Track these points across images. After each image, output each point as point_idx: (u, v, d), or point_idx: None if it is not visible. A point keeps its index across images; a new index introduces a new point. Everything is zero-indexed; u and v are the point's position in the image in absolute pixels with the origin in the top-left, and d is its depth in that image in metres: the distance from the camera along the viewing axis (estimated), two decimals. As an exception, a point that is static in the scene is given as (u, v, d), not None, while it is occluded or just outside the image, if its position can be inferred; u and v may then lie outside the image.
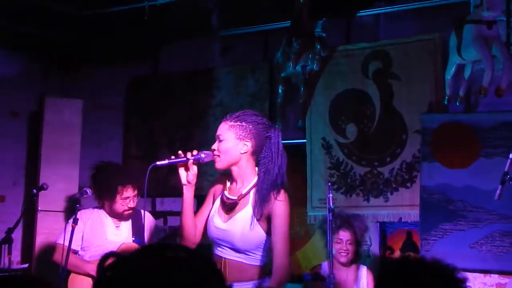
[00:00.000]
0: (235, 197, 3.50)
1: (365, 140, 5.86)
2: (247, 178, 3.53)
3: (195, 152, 3.53)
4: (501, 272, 5.00)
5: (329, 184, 4.05)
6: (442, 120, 5.35)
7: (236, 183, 3.56)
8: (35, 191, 5.13)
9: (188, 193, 3.58)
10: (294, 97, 6.11)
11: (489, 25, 4.83)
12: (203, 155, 3.51)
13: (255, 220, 3.44)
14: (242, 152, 3.49)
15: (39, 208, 6.32)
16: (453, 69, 5.23)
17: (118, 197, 4.58)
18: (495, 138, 5.07)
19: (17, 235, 6.50)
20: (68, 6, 6.37)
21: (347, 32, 6.05)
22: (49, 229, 6.19)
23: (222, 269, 3.43)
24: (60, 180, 6.30)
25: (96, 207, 4.75)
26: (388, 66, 5.79)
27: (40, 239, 6.32)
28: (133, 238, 4.62)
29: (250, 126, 3.50)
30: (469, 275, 5.08)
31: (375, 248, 5.67)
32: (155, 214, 6.45)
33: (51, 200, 6.21)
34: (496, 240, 5.04)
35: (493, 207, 4.91)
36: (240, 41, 6.56)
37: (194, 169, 3.54)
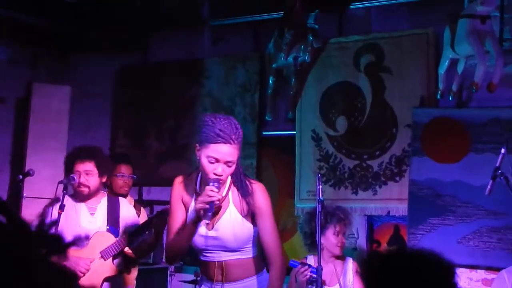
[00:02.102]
0: (217, 202, 3.32)
1: (355, 133, 5.87)
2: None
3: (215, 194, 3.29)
4: (487, 268, 5.01)
5: (319, 175, 4.00)
6: (434, 115, 5.35)
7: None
8: (20, 176, 5.08)
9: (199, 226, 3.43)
10: (285, 88, 6.10)
11: (483, 20, 4.83)
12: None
13: (241, 217, 3.41)
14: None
15: (24, 194, 6.28)
16: (446, 64, 5.23)
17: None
18: (486, 134, 5.08)
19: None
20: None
21: (339, 24, 6.05)
22: (34, 216, 6.12)
23: (223, 271, 3.47)
24: (46, 167, 6.25)
25: (72, 194, 4.58)
26: (380, 59, 5.80)
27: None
28: (107, 227, 4.48)
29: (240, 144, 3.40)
30: (457, 270, 5.09)
31: (362, 241, 5.67)
32: (142, 202, 6.42)
33: (37, 187, 6.17)
34: (483, 235, 5.05)
35: (481, 202, 4.92)
36: (230, 31, 6.56)
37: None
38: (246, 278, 3.50)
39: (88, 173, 4.41)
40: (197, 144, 3.33)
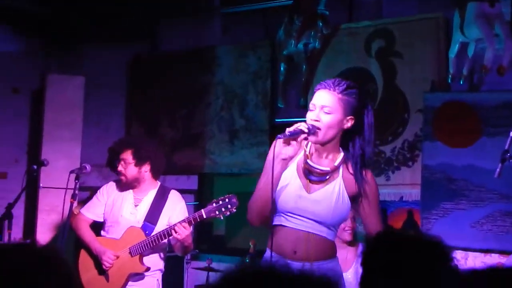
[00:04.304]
0: (328, 168, 3.22)
1: (367, 119, 5.82)
2: (333, 152, 3.25)
3: (304, 126, 3.10)
4: (501, 252, 4.99)
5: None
6: (445, 99, 5.32)
7: (319, 153, 3.26)
8: (35, 166, 5.12)
9: (279, 169, 3.17)
10: (296, 75, 6.09)
11: (491, 3, 4.80)
12: (311, 127, 3.10)
13: (347, 194, 3.25)
14: (344, 128, 3.21)
15: (41, 185, 6.32)
16: (456, 47, 5.22)
17: (116, 161, 4.53)
18: (498, 117, 5.04)
19: (19, 212, 6.52)
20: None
21: (350, 10, 6.02)
22: (50, 205, 6.20)
23: (300, 244, 3.23)
24: (61, 157, 6.28)
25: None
26: (391, 44, 5.76)
27: (42, 216, 6.32)
28: (144, 223, 4.49)
29: (356, 104, 3.22)
30: (470, 254, 5.09)
31: (375, 227, 5.65)
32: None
33: (53, 177, 6.21)
34: (497, 219, 5.02)
35: (494, 186, 4.89)
36: (241, 19, 6.53)
37: (299, 144, 3.15)
38: (326, 259, 3.26)
39: (125, 162, 4.48)
40: None
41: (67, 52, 7.25)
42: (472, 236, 5.06)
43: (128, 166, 4.47)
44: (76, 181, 4.46)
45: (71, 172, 4.56)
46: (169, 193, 4.60)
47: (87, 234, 4.53)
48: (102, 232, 4.58)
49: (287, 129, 3.09)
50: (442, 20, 5.47)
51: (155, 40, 7.01)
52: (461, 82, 5.26)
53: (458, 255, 5.14)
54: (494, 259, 5.05)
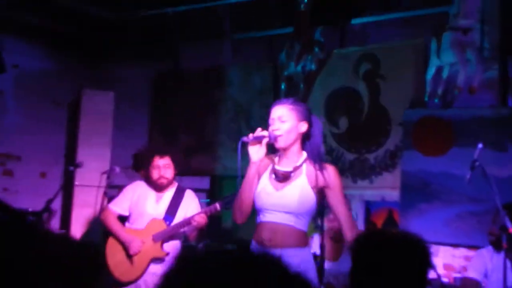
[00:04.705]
0: (290, 169, 3.34)
1: (355, 131, 5.83)
2: (296, 155, 3.36)
3: (265, 133, 3.31)
4: (468, 246, 4.98)
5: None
6: (422, 115, 5.30)
7: (286, 159, 3.38)
8: (72, 168, 5.12)
9: (254, 170, 3.37)
10: (295, 93, 6.06)
11: (465, 32, 4.79)
12: (272, 136, 3.29)
13: (310, 187, 3.31)
14: (301, 131, 3.34)
15: (76, 183, 6.32)
16: (433, 70, 5.21)
17: (150, 166, 4.49)
18: (468, 131, 5.03)
19: (57, 207, 6.52)
20: (103, 10, 6.34)
21: (341, 37, 5.99)
22: (84, 201, 6.18)
23: (272, 233, 3.31)
24: (94, 160, 6.29)
25: (147, 182, 4.63)
26: (376, 67, 5.75)
27: (77, 210, 6.31)
28: (165, 215, 4.49)
29: (305, 111, 3.37)
30: (441, 248, 5.06)
31: (360, 224, 5.62)
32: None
33: (86, 177, 6.22)
34: (465, 218, 5.01)
35: (464, 190, 4.86)
36: (248, 44, 6.52)
37: (264, 148, 3.31)
38: (296, 247, 3.31)
39: (166, 167, 4.47)
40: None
41: (99, 70, 7.26)
42: (443, 232, 5.05)
43: (168, 170, 4.48)
44: (107, 180, 4.44)
45: (103, 173, 4.56)
46: (185, 192, 4.61)
47: (115, 225, 4.51)
48: (127, 224, 4.57)
49: (251, 134, 3.28)
50: (421, 46, 5.45)
51: (176, 60, 6.99)
52: (436, 100, 5.24)
53: (431, 248, 5.12)
54: (461, 252, 5.05)
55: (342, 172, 5.78)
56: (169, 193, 4.56)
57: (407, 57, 5.56)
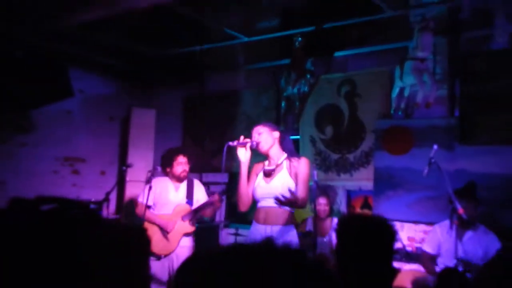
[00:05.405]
0: (273, 167, 3.45)
1: (338, 137, 5.80)
2: (277, 156, 3.47)
3: (248, 140, 3.44)
4: (426, 223, 4.93)
5: (314, 165, 3.95)
6: (389, 124, 5.27)
7: (271, 160, 3.49)
8: (124, 167, 5.09)
9: (244, 168, 3.41)
10: (292, 109, 6.05)
11: (422, 61, 4.76)
12: (254, 143, 3.43)
13: (289, 177, 3.38)
14: (275, 137, 3.48)
15: (127, 179, 6.31)
16: (397, 90, 5.17)
17: (174, 163, 4.42)
18: (424, 136, 4.99)
19: (113, 197, 6.51)
20: (149, 48, 6.37)
21: (327, 66, 5.96)
22: (133, 193, 6.15)
23: (266, 215, 3.37)
24: (141, 161, 6.28)
25: (165, 176, 4.54)
26: (354, 89, 5.73)
27: (127, 200, 6.29)
28: (186, 200, 4.45)
29: (274, 126, 3.58)
30: (405, 224, 5.01)
31: (343, 207, 5.59)
32: (203, 184, 6.41)
33: (135, 175, 6.21)
34: (423, 202, 4.97)
35: (422, 180, 4.80)
36: (257, 73, 6.50)
37: (249, 151, 3.41)
38: (283, 225, 3.35)
39: (186, 163, 4.45)
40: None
41: (144, 93, 7.27)
42: (406, 213, 5.01)
43: (187, 166, 4.46)
44: (152, 176, 4.41)
45: (148, 171, 4.51)
46: (193, 181, 4.57)
47: (149, 213, 4.37)
48: (154, 211, 4.44)
49: (235, 141, 3.41)
50: (388, 72, 5.43)
51: (202, 85, 6.99)
52: (400, 113, 5.22)
53: (398, 225, 5.07)
54: (421, 227, 5.00)
55: (328, 168, 5.76)
56: (184, 184, 4.49)
57: (377, 81, 5.54)
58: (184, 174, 4.45)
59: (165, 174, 4.50)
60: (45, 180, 6.23)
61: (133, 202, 5.07)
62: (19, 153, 6.07)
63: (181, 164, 4.43)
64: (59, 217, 0.92)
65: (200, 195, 4.50)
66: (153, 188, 4.42)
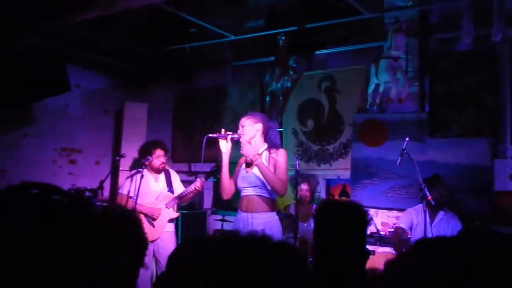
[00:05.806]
0: (235, 137, 3.44)
1: (319, 129, 5.82)
2: (259, 146, 3.42)
3: (230, 133, 3.44)
4: (398, 209, 4.95)
5: (297, 155, 3.99)
6: (365, 118, 5.30)
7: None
8: (117, 158, 5.07)
9: (226, 159, 3.42)
10: (276, 103, 6.06)
11: (395, 59, 4.80)
12: (236, 136, 3.42)
13: (269, 166, 3.35)
14: (257, 129, 3.43)
15: (120, 168, 6.28)
16: (373, 86, 5.18)
17: (153, 156, 4.38)
18: (397, 129, 5.00)
19: (107, 185, 6.49)
20: (141, 46, 6.33)
21: (308, 63, 5.98)
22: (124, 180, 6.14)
23: (248, 203, 3.35)
24: (133, 152, 6.20)
25: (143, 169, 4.38)
26: (333, 84, 5.74)
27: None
28: (168, 189, 4.43)
29: (258, 117, 3.49)
30: (380, 211, 5.08)
31: (323, 195, 5.64)
32: (191, 173, 6.41)
33: (127, 164, 6.17)
34: (396, 190, 5.01)
35: (395, 170, 4.86)
36: (244, 69, 6.49)
37: (230, 143, 3.43)
38: (263, 212, 3.34)
39: (163, 156, 4.42)
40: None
41: (137, 88, 7.23)
42: (381, 200, 5.06)
43: (164, 159, 4.43)
44: (143, 167, 4.40)
45: (136, 161, 4.50)
46: (169, 171, 4.53)
47: (132, 203, 4.25)
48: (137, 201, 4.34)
49: (217, 133, 3.41)
50: (364, 70, 5.44)
51: (191, 82, 6.97)
52: (375, 108, 5.25)
53: (372, 211, 5.14)
54: (393, 214, 5.05)
55: (309, 159, 5.81)
56: (162, 175, 4.46)
57: (355, 78, 5.55)
58: (163, 166, 4.41)
59: (144, 166, 4.39)
60: (44, 169, 6.20)
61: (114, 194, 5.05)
62: (19, 144, 6.03)
63: (159, 157, 4.38)
64: (43, 200, 0.90)
65: (177, 184, 4.50)
66: (134, 179, 4.34)
